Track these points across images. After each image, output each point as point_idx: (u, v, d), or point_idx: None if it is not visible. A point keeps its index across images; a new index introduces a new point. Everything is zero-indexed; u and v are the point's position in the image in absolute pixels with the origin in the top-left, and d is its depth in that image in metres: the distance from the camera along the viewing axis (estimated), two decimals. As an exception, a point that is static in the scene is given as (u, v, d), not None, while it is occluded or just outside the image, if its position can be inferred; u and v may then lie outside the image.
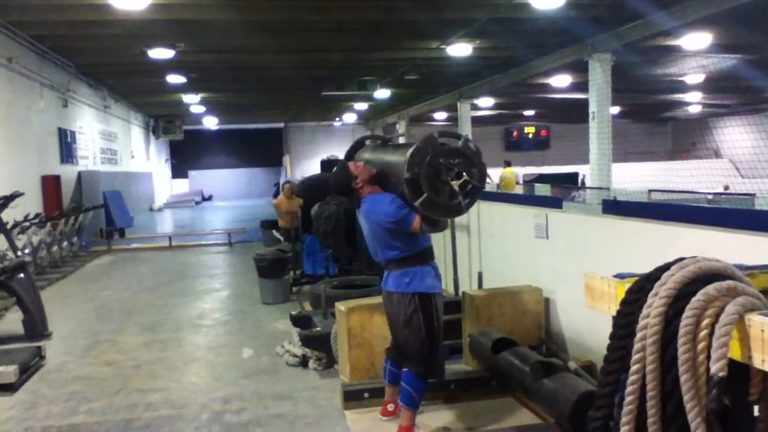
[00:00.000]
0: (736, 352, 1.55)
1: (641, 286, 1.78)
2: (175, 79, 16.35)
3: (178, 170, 35.81)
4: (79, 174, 15.21)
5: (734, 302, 1.57)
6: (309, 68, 15.88)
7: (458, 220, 6.27)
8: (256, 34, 11.93)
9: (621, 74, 13.07)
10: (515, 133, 31.93)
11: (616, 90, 12.47)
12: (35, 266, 9.87)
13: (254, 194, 34.95)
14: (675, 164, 25.76)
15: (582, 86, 14.33)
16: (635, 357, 1.70)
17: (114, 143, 20.25)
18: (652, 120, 31.41)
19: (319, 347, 5.38)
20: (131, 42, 12.25)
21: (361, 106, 24.24)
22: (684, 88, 19.69)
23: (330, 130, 33.46)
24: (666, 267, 1.75)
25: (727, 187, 17.09)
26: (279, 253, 8.50)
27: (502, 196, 9.98)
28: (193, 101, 21.35)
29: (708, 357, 1.56)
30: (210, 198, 35.16)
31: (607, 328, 1.90)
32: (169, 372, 5.58)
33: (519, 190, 18.56)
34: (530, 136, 32.04)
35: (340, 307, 4.92)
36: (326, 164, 18.08)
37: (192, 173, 36.91)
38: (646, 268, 1.85)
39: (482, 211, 6.43)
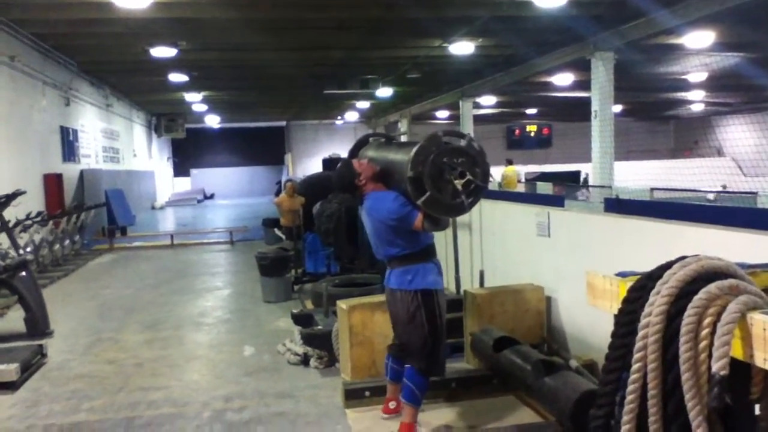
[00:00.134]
0: (737, 351, 1.54)
1: (643, 285, 1.78)
2: (177, 77, 16.35)
3: (180, 168, 35.85)
4: (81, 172, 15.23)
5: (736, 301, 1.56)
6: (310, 66, 15.87)
7: (460, 218, 6.26)
8: (258, 33, 11.93)
9: (623, 72, 13.05)
10: (517, 132, 31.91)
11: (618, 88, 12.44)
12: (37, 264, 9.88)
13: (256, 192, 34.97)
14: (677, 163, 25.77)
15: (584, 84, 14.31)
16: (637, 355, 1.69)
17: (116, 141, 20.27)
18: (655, 118, 31.37)
19: (320, 345, 5.38)
20: (133, 40, 12.25)
21: (363, 104, 24.24)
22: (687, 86, 19.66)
23: (332, 129, 33.47)
24: (668, 265, 1.75)
25: (725, 187, 17.07)
26: (281, 252, 8.50)
27: (504, 195, 9.99)
28: (195, 100, 21.37)
29: (710, 356, 1.56)
30: (212, 196, 35.19)
31: (608, 326, 1.89)
32: (170, 370, 5.59)
33: (521, 188, 18.57)
34: (532, 134, 32.02)
35: (342, 305, 4.92)
36: (328, 163, 18.12)
37: (194, 171, 36.95)
38: (648, 266, 1.85)
39: (484, 210, 6.43)
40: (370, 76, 17.64)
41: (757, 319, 1.51)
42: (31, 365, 5.53)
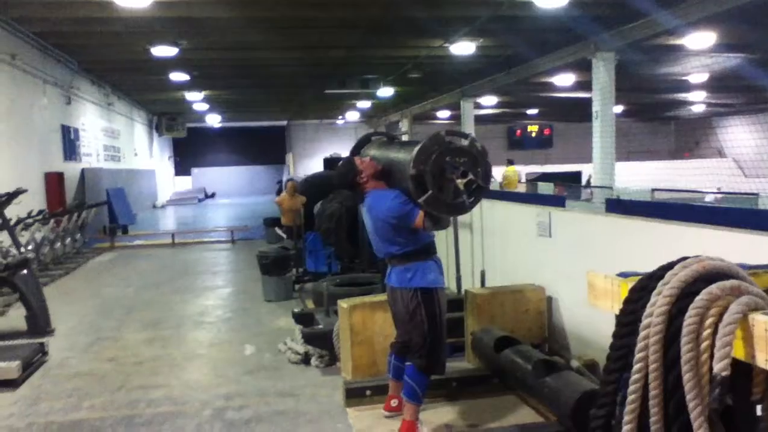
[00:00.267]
0: (739, 352, 1.54)
1: (644, 285, 1.78)
2: (177, 76, 16.36)
3: (181, 167, 35.86)
4: (82, 171, 15.24)
5: (738, 301, 1.57)
6: (312, 66, 15.88)
7: (461, 218, 6.27)
8: (259, 32, 11.94)
9: (624, 73, 13.05)
10: (518, 132, 31.90)
11: (619, 89, 12.44)
12: (38, 263, 9.89)
13: (257, 192, 34.99)
14: (678, 164, 25.77)
15: (585, 85, 14.31)
16: (638, 356, 1.70)
17: (117, 140, 20.28)
18: (656, 119, 31.36)
19: (321, 344, 5.38)
20: (134, 39, 12.25)
21: (364, 104, 24.24)
22: (688, 87, 19.65)
23: (333, 128, 33.48)
24: (669, 266, 1.75)
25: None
26: (281, 251, 8.51)
27: (505, 195, 9.99)
28: (196, 99, 21.37)
29: (711, 356, 1.56)
30: (213, 195, 35.20)
31: (609, 326, 1.89)
32: (170, 369, 5.59)
33: (521, 188, 18.58)
34: (533, 134, 32.01)
35: (343, 304, 4.92)
36: (329, 162, 18.10)
37: (195, 171, 36.95)
38: (650, 267, 1.85)
39: (485, 210, 6.43)
40: (371, 76, 17.66)
41: (758, 319, 1.51)
42: (32, 363, 5.54)
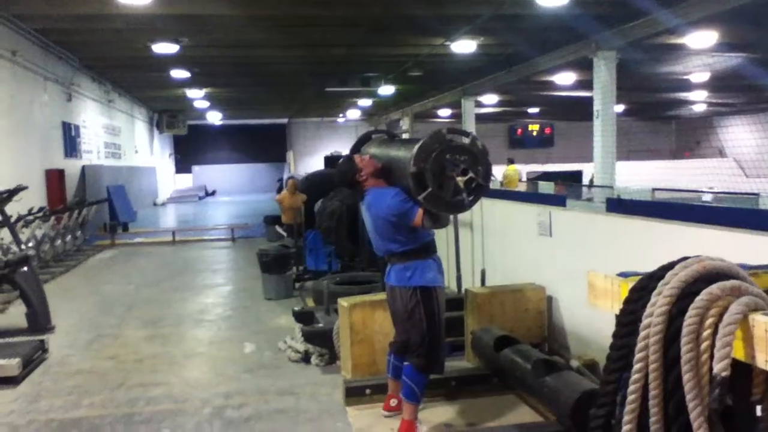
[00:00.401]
0: (739, 352, 1.54)
1: (645, 285, 1.78)
2: (178, 73, 16.36)
3: (182, 165, 35.82)
4: (83, 168, 15.25)
5: (738, 302, 1.57)
6: (313, 64, 15.87)
7: (461, 217, 6.27)
8: (260, 29, 11.93)
9: (625, 72, 13.04)
10: (519, 131, 31.87)
11: (620, 88, 12.43)
12: (38, 260, 9.89)
13: (257, 190, 34.96)
14: (678, 163, 25.76)
15: (586, 84, 14.31)
16: (638, 355, 1.70)
17: (118, 137, 20.29)
18: (657, 118, 31.34)
19: (321, 343, 5.38)
20: (135, 36, 12.25)
21: (365, 102, 24.24)
22: (689, 86, 19.63)
23: (333, 126, 33.47)
24: (670, 266, 1.75)
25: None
26: (282, 249, 8.50)
27: (505, 194, 9.99)
28: (196, 96, 21.37)
29: (711, 356, 1.56)
30: (213, 193, 35.18)
31: (609, 326, 1.89)
32: (170, 366, 5.60)
33: (522, 187, 18.57)
34: (534, 133, 31.97)
35: (343, 303, 4.92)
36: (330, 160, 18.10)
37: (195, 168, 36.92)
38: (650, 266, 1.85)
39: (486, 209, 6.42)
40: (372, 74, 17.65)
41: (758, 320, 1.51)
42: (32, 360, 5.54)
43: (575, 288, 4.46)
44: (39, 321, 6.61)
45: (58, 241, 11.18)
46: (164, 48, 12.70)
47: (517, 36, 12.48)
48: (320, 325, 5.61)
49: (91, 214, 13.31)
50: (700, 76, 17.41)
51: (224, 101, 24.32)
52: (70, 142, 14.43)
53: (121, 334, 6.70)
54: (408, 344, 3.91)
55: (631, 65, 13.44)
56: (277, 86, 20.31)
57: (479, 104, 21.67)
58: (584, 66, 13.35)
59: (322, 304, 6.07)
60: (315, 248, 8.57)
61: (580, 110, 18.92)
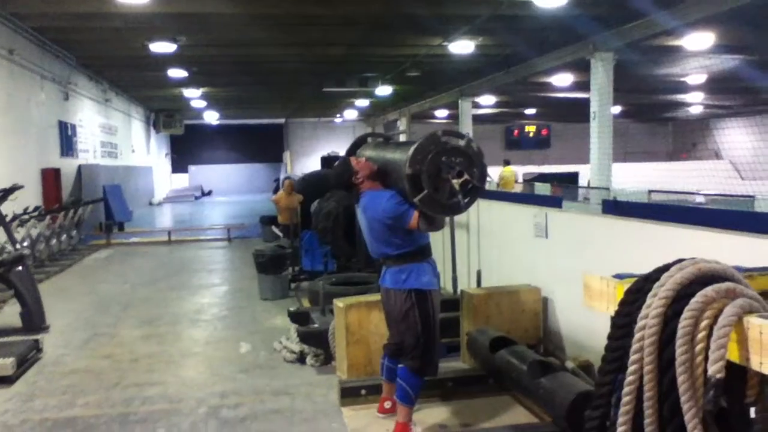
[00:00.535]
0: (734, 354, 1.54)
1: (640, 287, 1.78)
2: (176, 73, 16.32)
3: (178, 165, 35.77)
4: (79, 167, 15.21)
5: (733, 304, 1.57)
6: (311, 63, 15.86)
7: (457, 218, 6.27)
8: (259, 28, 11.92)
9: (623, 74, 13.05)
10: (516, 132, 31.90)
11: (617, 89, 12.43)
12: (34, 259, 9.86)
13: (254, 190, 34.92)
14: (675, 165, 25.80)
15: (584, 85, 14.31)
16: (633, 357, 1.70)
17: (114, 137, 20.24)
18: (653, 120, 31.40)
19: (316, 344, 5.38)
20: (132, 35, 12.23)
21: (363, 102, 24.22)
22: (686, 88, 19.66)
23: (331, 127, 33.46)
24: (665, 268, 1.75)
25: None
26: (278, 249, 8.50)
27: (501, 195, 9.99)
28: (193, 96, 21.34)
29: (706, 358, 1.56)
30: (210, 193, 35.15)
31: (605, 328, 1.89)
32: (166, 366, 5.59)
33: (518, 189, 18.59)
34: (531, 135, 32.01)
35: (338, 303, 4.92)
36: (326, 161, 18.11)
37: (192, 168, 36.87)
38: (645, 268, 1.85)
39: (482, 210, 6.43)
40: (369, 74, 17.64)
41: (753, 322, 1.51)
42: (26, 360, 5.52)
43: (571, 289, 4.46)
44: (34, 320, 6.60)
45: (54, 241, 11.15)
46: (162, 47, 12.67)
47: (515, 37, 12.49)
48: (316, 325, 5.61)
49: (86, 213, 13.29)
50: (697, 78, 17.44)
51: (221, 101, 24.30)
52: (67, 142, 14.39)
53: (117, 333, 6.69)
54: (402, 347, 3.91)
55: (629, 67, 13.45)
56: (275, 86, 20.29)
57: (476, 105, 21.67)
58: (581, 67, 13.36)
59: (318, 305, 6.07)
60: (311, 249, 8.57)
61: (577, 112, 18.92)
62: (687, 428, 1.58)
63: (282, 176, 22.68)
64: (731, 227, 3.67)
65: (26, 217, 9.80)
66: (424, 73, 17.00)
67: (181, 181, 35.87)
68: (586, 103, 12.84)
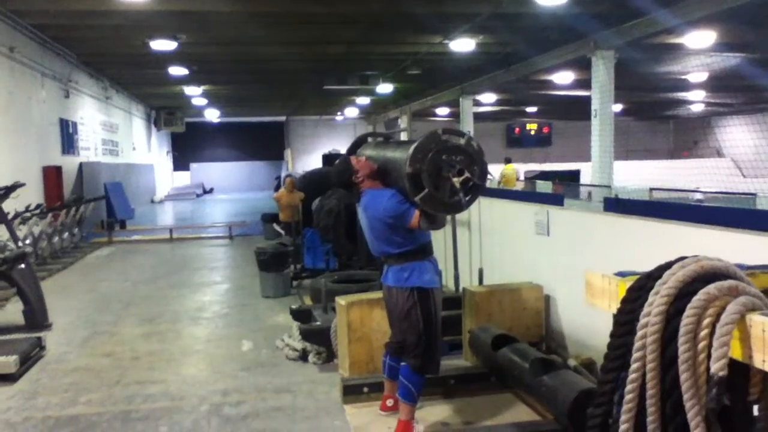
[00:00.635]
0: (736, 352, 1.55)
1: (642, 285, 1.78)
2: (176, 70, 16.32)
3: (180, 162, 35.77)
4: (81, 165, 15.21)
5: (735, 302, 1.57)
6: (312, 61, 15.86)
7: (459, 216, 6.26)
8: (259, 26, 11.92)
9: (624, 72, 13.04)
10: (517, 130, 31.86)
11: (618, 87, 12.43)
12: (36, 257, 9.88)
13: (255, 187, 34.92)
14: (676, 163, 25.78)
15: (585, 83, 14.30)
16: (635, 355, 1.70)
17: (115, 134, 20.24)
18: (655, 118, 31.36)
19: (318, 341, 5.38)
20: (133, 33, 12.22)
21: (363, 100, 24.21)
22: (687, 86, 19.65)
23: (332, 124, 33.44)
24: (667, 266, 1.75)
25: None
26: (280, 247, 8.50)
27: (503, 193, 9.99)
28: (194, 93, 21.34)
29: (708, 356, 1.56)
30: (211, 191, 35.14)
31: (607, 326, 1.90)
32: (167, 364, 5.59)
33: (520, 187, 18.57)
34: (532, 132, 31.97)
35: (340, 301, 4.92)
36: (328, 158, 18.09)
37: (193, 166, 36.88)
38: (648, 266, 1.85)
39: (483, 208, 6.43)
40: (370, 72, 17.63)
41: (756, 320, 1.52)
42: (29, 357, 5.54)
43: (573, 287, 4.46)
44: (36, 318, 6.61)
45: (56, 239, 11.16)
46: (162, 45, 12.67)
47: (516, 35, 12.48)
48: (318, 323, 5.62)
49: (88, 211, 13.30)
50: (698, 76, 17.42)
51: (222, 98, 24.29)
52: (68, 139, 14.39)
53: (119, 331, 6.70)
54: (404, 345, 3.92)
55: (630, 65, 13.44)
56: (276, 84, 20.28)
57: (477, 103, 21.67)
58: (583, 65, 13.35)
59: (320, 303, 6.08)
60: (313, 246, 8.57)
61: (578, 109, 18.91)
62: (690, 426, 1.58)
63: (283, 174, 22.67)
64: (733, 225, 3.68)
65: (28, 214, 9.81)
66: (425, 71, 16.98)
67: (183, 178, 35.88)
68: (587, 100, 12.83)
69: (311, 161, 29.62)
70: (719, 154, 29.35)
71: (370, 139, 4.65)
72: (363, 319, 4.83)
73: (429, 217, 3.68)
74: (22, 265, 6.73)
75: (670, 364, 1.64)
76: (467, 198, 3.60)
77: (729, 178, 18.98)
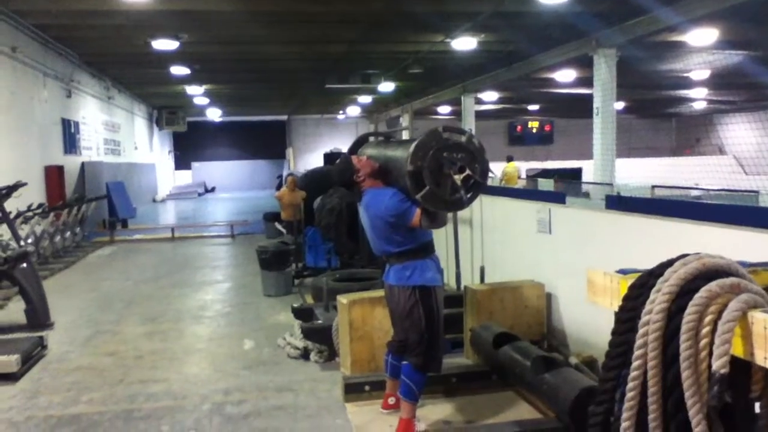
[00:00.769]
0: (738, 349, 1.54)
1: (644, 282, 1.77)
2: (178, 70, 16.33)
3: (181, 162, 35.79)
4: (83, 164, 15.23)
5: (737, 299, 1.56)
6: (313, 60, 15.85)
7: (461, 214, 6.26)
8: (261, 25, 11.92)
9: (626, 69, 13.02)
10: (519, 128, 31.83)
11: (620, 85, 12.42)
12: (38, 256, 9.89)
13: (257, 186, 34.95)
14: (678, 160, 25.75)
15: (587, 81, 14.29)
16: (637, 353, 1.69)
17: (117, 134, 20.26)
18: (657, 116, 31.32)
19: (320, 340, 5.39)
20: (135, 32, 12.23)
21: (365, 99, 24.21)
22: (689, 84, 19.61)
23: (333, 123, 33.45)
24: (669, 263, 1.75)
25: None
26: (281, 246, 8.50)
27: (505, 191, 9.97)
28: (196, 93, 21.35)
29: (710, 353, 1.56)
30: (213, 190, 35.17)
31: (608, 323, 1.89)
32: (170, 363, 5.60)
33: (521, 184, 18.54)
34: (534, 130, 31.94)
35: (342, 300, 4.92)
36: (329, 157, 18.11)
37: (195, 165, 36.90)
38: (649, 264, 1.84)
39: (485, 206, 6.42)
40: (372, 71, 17.63)
41: (757, 317, 1.51)
42: (31, 357, 5.54)
43: (574, 285, 4.46)
44: (38, 317, 6.62)
45: (58, 238, 11.18)
46: (164, 44, 12.68)
47: (518, 33, 12.46)
48: (319, 321, 5.62)
49: (90, 210, 13.31)
50: (701, 74, 17.39)
51: (224, 98, 24.30)
52: (70, 139, 14.41)
53: (121, 330, 6.71)
54: (406, 344, 3.92)
55: (632, 62, 13.42)
56: (277, 83, 20.29)
57: (479, 101, 21.65)
58: (584, 63, 13.33)
59: (322, 301, 6.08)
60: (314, 245, 8.57)
61: (580, 107, 18.90)
62: (691, 423, 1.58)
63: (285, 173, 22.67)
64: (735, 222, 3.67)
65: (30, 214, 9.83)
66: (427, 69, 16.97)
67: (184, 177, 35.90)
68: (589, 98, 12.82)
69: (313, 160, 29.63)
70: (721, 151, 29.30)
71: (371, 139, 4.66)
72: (364, 318, 4.83)
73: (430, 216, 3.68)
74: (24, 265, 6.74)
75: (671, 361, 1.63)
76: (468, 195, 3.59)
77: (731, 176, 18.94)
